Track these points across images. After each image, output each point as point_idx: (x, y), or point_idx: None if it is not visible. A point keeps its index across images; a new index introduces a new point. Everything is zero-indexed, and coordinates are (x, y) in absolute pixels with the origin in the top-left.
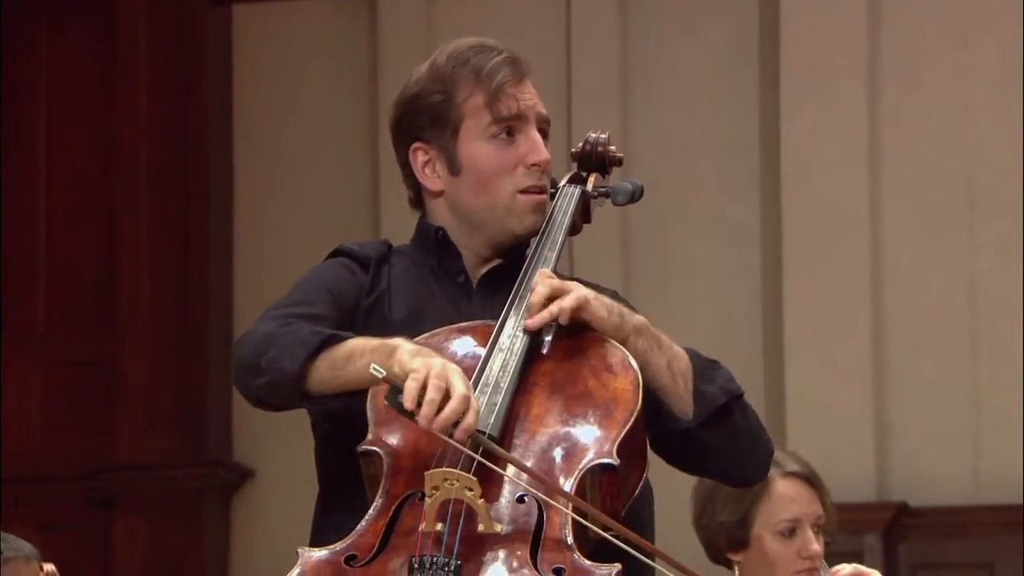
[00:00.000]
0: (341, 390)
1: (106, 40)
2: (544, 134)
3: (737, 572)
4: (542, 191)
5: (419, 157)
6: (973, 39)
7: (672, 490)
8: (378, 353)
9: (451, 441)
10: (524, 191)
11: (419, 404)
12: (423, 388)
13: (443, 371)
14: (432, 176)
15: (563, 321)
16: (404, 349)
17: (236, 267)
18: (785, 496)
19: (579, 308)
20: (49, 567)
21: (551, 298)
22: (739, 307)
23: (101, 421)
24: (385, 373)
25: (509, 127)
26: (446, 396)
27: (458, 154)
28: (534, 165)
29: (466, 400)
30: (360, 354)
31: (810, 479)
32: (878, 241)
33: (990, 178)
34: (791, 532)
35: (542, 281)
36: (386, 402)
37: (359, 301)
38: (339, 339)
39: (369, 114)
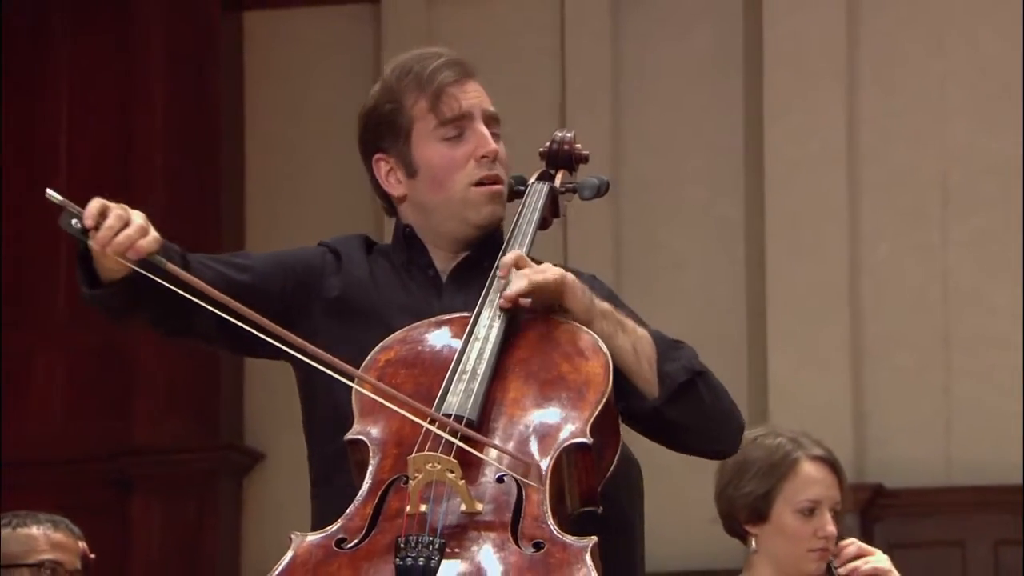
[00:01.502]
0: (108, 274)
1: (124, 45)
2: (493, 131)
3: (753, 545)
4: (496, 181)
5: (381, 167)
6: (948, 44)
7: (667, 481)
8: None
9: (434, 429)
10: (478, 183)
11: (97, 228)
12: (103, 215)
13: (125, 207)
14: (395, 183)
15: (550, 276)
16: None
17: None
18: (810, 477)
19: (563, 279)
20: (82, 545)
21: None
22: (724, 299)
23: (119, 407)
24: (61, 199)
25: (456, 126)
26: (125, 225)
27: (413, 158)
28: (483, 157)
29: (143, 229)
30: None
31: (834, 465)
32: (856, 236)
33: (963, 177)
34: (811, 511)
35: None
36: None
37: (313, 277)
38: None
39: None
